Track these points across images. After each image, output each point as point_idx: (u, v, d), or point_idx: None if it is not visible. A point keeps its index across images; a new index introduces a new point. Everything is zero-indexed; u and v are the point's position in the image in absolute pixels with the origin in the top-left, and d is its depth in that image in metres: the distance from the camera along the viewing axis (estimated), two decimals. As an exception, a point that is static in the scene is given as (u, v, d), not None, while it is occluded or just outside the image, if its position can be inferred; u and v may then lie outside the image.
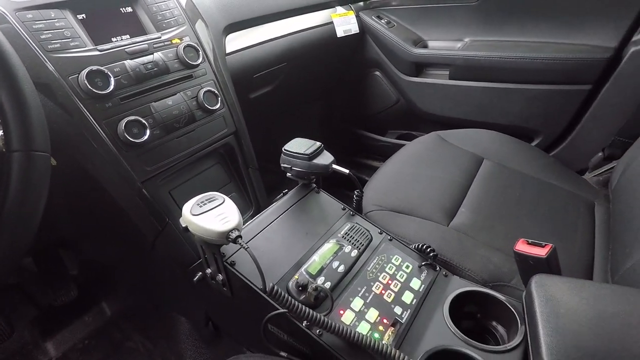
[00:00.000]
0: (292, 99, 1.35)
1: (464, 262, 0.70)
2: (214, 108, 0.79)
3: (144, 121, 0.68)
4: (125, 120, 0.66)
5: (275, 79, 1.16)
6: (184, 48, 0.76)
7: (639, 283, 0.59)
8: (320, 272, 0.60)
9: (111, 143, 0.65)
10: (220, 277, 0.60)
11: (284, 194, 0.73)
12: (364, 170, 1.57)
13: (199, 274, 0.65)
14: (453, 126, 1.17)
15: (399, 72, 1.37)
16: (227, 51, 0.96)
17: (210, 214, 0.54)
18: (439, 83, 1.30)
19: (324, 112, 1.62)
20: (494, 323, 0.63)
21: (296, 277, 0.58)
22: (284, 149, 0.70)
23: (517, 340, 0.55)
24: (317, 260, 0.61)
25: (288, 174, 0.72)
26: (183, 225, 0.55)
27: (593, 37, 1.06)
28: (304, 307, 0.51)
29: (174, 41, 0.76)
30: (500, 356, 0.54)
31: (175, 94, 0.74)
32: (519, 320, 0.57)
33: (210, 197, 0.57)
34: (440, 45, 1.31)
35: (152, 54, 0.72)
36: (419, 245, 0.69)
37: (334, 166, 0.69)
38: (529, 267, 0.57)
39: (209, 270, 0.62)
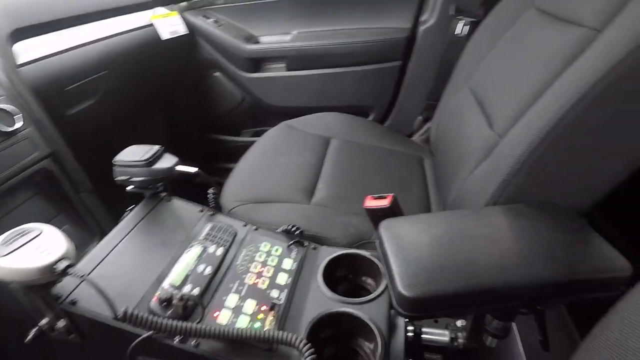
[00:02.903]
0: (126, 109, 1.21)
1: (328, 232, 0.74)
2: (13, 129, 0.64)
3: None
4: None
5: (98, 90, 1.01)
6: (-52, 60, 0.60)
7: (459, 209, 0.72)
8: (185, 280, 0.55)
9: None
10: (61, 324, 0.50)
11: (129, 212, 0.65)
12: (226, 174, 1.53)
13: (32, 332, 0.52)
14: (300, 114, 1.23)
15: (238, 70, 1.37)
16: (22, 61, 0.79)
17: (25, 250, 0.44)
18: (279, 76, 1.34)
19: (169, 121, 1.51)
20: (364, 278, 0.68)
21: (158, 293, 0.52)
22: (116, 160, 0.62)
23: (382, 286, 0.61)
24: (179, 269, 0.56)
25: (128, 188, 0.64)
26: (-13, 275, 0.44)
27: (393, 20, 1.25)
28: (170, 321, 0.46)
29: None
30: (373, 304, 0.59)
31: (-51, 119, 0.58)
32: (381, 269, 0.63)
33: (22, 231, 0.46)
34: (271, 39, 1.36)
35: None
36: (284, 227, 0.70)
37: (180, 167, 0.64)
38: (379, 218, 0.63)
39: (44, 322, 0.50)
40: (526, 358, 0.61)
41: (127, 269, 0.55)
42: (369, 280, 0.68)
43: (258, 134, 1.51)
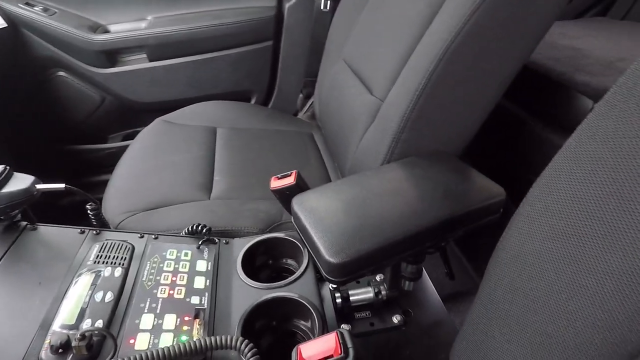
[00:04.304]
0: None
1: (237, 223, 0.71)
2: None
3: None
4: None
5: None
6: None
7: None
8: (81, 315, 0.46)
9: None
10: None
11: (-21, 253, 0.51)
12: (100, 188, 1.32)
13: None
14: (175, 108, 1.12)
15: (88, 66, 1.17)
16: None
17: None
18: (142, 68, 1.20)
19: (11, 137, 1.22)
20: (284, 260, 0.67)
21: (48, 340, 0.42)
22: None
23: (305, 262, 0.61)
24: (70, 305, 0.46)
25: (-31, 225, 0.50)
26: None
27: (257, -1, 1.22)
28: (74, 367, 0.38)
29: None
30: (299, 282, 0.58)
31: None
32: (300, 246, 0.63)
33: None
34: (124, 27, 1.19)
35: None
36: (188, 228, 0.64)
37: (41, 186, 0.53)
38: (287, 197, 0.62)
39: None
40: (437, 291, 0.69)
41: (-6, 324, 0.43)
42: (290, 261, 0.67)
43: (131, 137, 1.34)
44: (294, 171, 0.63)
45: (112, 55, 1.17)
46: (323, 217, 0.48)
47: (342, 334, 0.39)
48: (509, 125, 0.89)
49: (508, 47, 0.61)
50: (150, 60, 1.19)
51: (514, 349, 0.32)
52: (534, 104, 0.87)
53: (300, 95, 1.30)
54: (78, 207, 0.65)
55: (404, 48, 0.69)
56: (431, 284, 0.70)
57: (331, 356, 0.37)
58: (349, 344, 0.38)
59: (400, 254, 0.48)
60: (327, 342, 0.38)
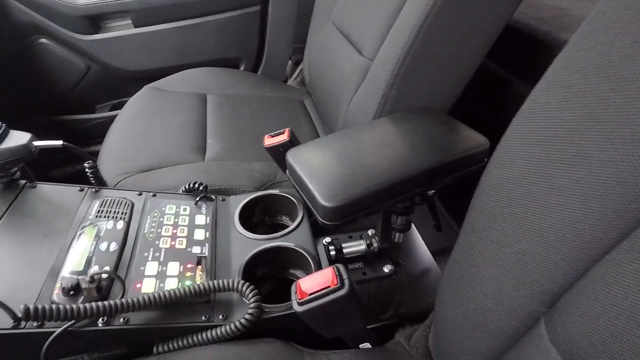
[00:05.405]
0: None
1: (233, 182, 0.73)
2: None
3: None
4: None
5: None
6: None
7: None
8: (89, 263, 0.48)
9: None
10: None
11: (-19, 210, 0.52)
12: (92, 159, 1.32)
13: None
14: (163, 76, 1.11)
15: (72, 32, 1.14)
16: None
17: None
18: (127, 34, 1.17)
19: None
20: (279, 217, 0.70)
21: (59, 284, 0.44)
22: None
23: (300, 215, 0.64)
24: (77, 254, 0.49)
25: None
26: None
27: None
28: (88, 305, 0.41)
29: None
30: (296, 233, 0.61)
31: None
32: (295, 201, 0.65)
33: None
34: (106, -8, 1.16)
35: None
36: (185, 186, 0.65)
37: (38, 142, 0.53)
38: (281, 154, 0.64)
39: None
40: (424, 242, 0.73)
41: (5, 272, 0.45)
42: (285, 218, 0.70)
43: (119, 107, 1.32)
44: (287, 129, 0.65)
45: (95, 20, 1.14)
46: (317, 167, 0.51)
47: (338, 267, 0.42)
48: (494, 86, 0.91)
49: (491, 2, 0.62)
50: (136, 26, 1.17)
51: (493, 270, 0.35)
52: (519, 64, 0.89)
53: (290, 62, 1.29)
54: (70, 179, 0.65)
55: (391, 7, 0.70)
56: (419, 236, 0.74)
57: (328, 287, 0.40)
58: (345, 276, 0.41)
59: (390, 199, 0.51)
60: (325, 276, 0.41)
